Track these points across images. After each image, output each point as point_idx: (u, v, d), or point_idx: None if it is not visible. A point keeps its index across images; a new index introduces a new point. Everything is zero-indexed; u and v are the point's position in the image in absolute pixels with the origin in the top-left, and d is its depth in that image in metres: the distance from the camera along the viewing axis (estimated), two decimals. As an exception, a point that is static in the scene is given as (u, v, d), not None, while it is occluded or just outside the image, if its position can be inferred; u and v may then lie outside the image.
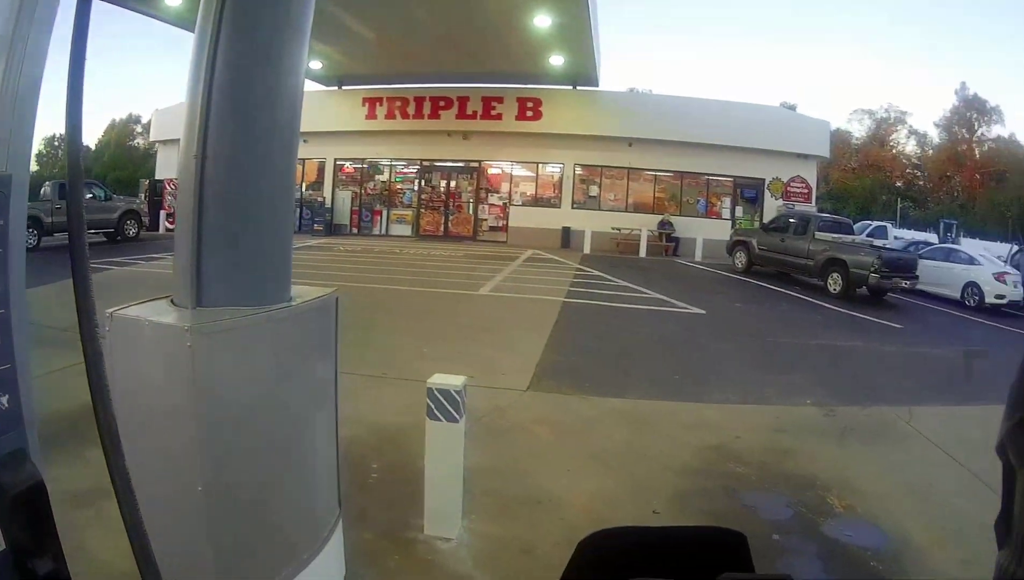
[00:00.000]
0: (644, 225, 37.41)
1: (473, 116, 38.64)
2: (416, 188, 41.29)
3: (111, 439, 1.58)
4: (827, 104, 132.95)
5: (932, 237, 48.40)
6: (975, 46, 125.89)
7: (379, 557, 5.82)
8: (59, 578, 1.54)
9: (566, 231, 38.05)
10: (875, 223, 46.80)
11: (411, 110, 39.17)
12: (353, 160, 41.78)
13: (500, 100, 38.41)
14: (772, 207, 38.24)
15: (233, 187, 4.01)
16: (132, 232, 32.50)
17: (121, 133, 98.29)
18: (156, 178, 40.85)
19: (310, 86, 36.25)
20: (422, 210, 40.97)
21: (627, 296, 21.81)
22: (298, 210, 37.86)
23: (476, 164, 40.29)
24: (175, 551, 3.57)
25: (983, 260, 30.42)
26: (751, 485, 8.26)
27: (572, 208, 39.28)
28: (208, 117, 3.92)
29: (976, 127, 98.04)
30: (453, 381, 6.19)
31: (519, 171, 40.49)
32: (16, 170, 1.76)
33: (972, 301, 28.85)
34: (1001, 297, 28.56)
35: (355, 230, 40.59)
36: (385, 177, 41.84)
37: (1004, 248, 44.61)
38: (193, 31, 4.11)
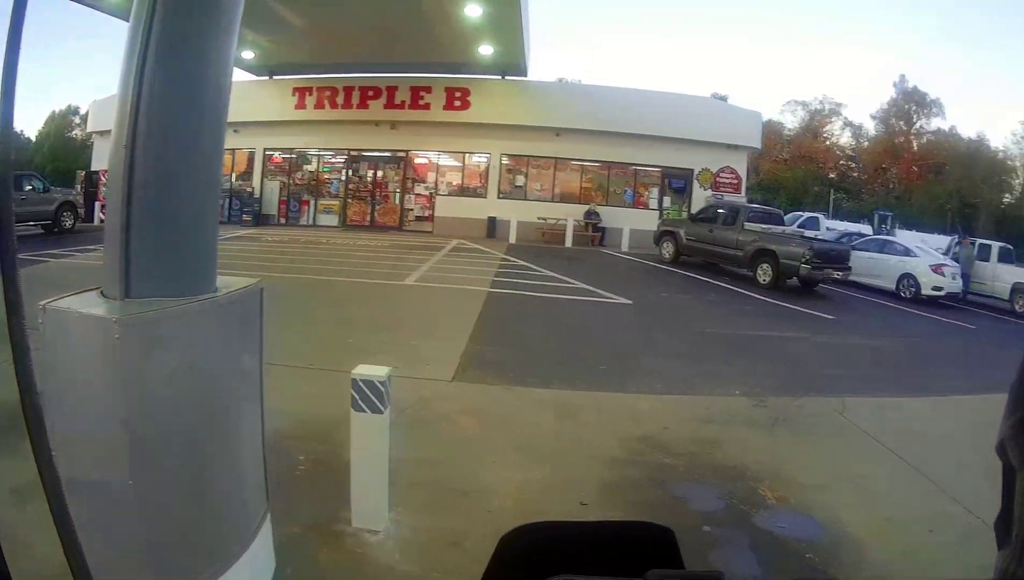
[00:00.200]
0: (570, 215, 37.44)
1: (401, 106, 38.50)
2: (343, 178, 41.15)
3: (38, 433, 1.58)
4: (761, 96, 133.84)
5: (866, 228, 48.48)
6: (916, 40, 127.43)
7: (308, 550, 5.79)
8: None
9: (492, 221, 38.02)
10: (807, 214, 47.02)
11: (340, 100, 38.97)
12: (282, 150, 41.53)
13: (428, 90, 38.31)
14: (701, 198, 38.41)
15: (161, 177, 4.00)
16: (68, 224, 31.93)
17: (60, 124, 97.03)
18: (92, 169, 40.48)
19: (242, 76, 36.57)
20: (349, 200, 40.85)
21: (552, 286, 21.84)
22: (227, 201, 37.87)
23: (403, 154, 40.14)
24: (106, 545, 3.58)
25: (920, 252, 30.76)
26: (680, 476, 8.23)
27: (498, 198, 39.28)
28: (139, 107, 3.91)
29: (915, 119, 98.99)
30: (377, 372, 6.14)
31: (446, 161, 40.39)
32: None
33: (908, 293, 29.20)
34: (939, 289, 28.92)
35: (283, 220, 40.31)
36: (313, 167, 41.62)
37: (942, 240, 45.25)
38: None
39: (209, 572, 4.24)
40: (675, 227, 32.33)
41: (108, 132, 4.26)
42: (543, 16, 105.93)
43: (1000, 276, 32.18)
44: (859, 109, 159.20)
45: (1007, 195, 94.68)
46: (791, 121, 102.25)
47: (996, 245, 34.07)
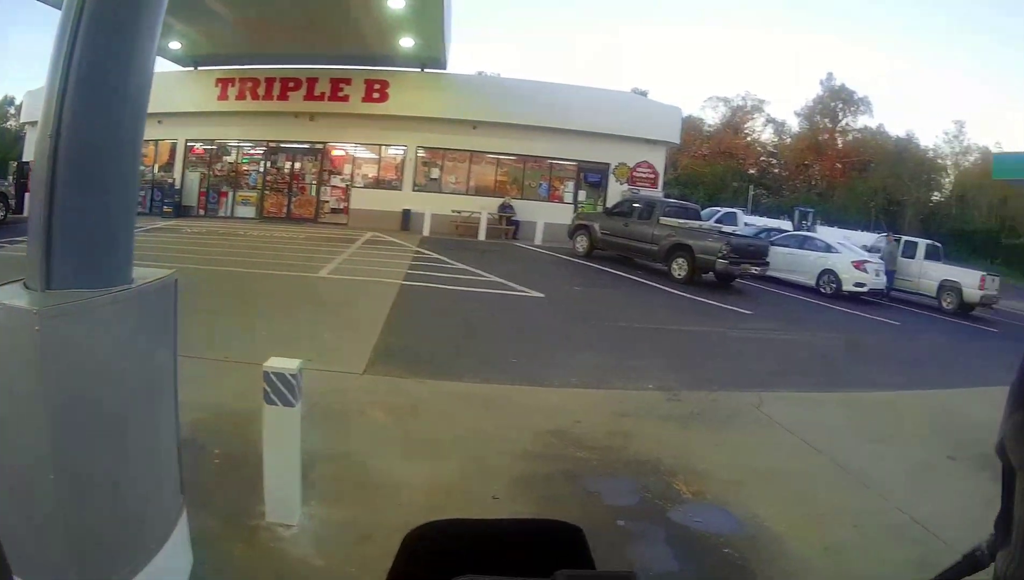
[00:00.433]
0: (485, 208, 37.47)
1: (321, 97, 38.29)
2: (262, 170, 40.82)
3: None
4: (684, 92, 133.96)
5: (786, 225, 48.99)
6: (847, 39, 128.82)
7: (224, 544, 5.73)
8: None
9: (406, 213, 37.95)
10: (724, 209, 47.43)
11: (261, 91, 38.67)
12: (204, 141, 40.99)
13: (348, 82, 38.16)
14: (617, 192, 38.58)
15: (83, 168, 3.95)
16: (0, 215, 31.81)
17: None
18: (24, 160, 39.58)
19: (169, 67, 35.91)
20: (267, 192, 40.51)
21: (465, 279, 21.80)
22: (149, 192, 37.65)
23: (321, 146, 39.97)
24: (26, 542, 3.60)
25: (841, 248, 31.01)
26: (594, 470, 8.25)
27: (413, 190, 39.17)
28: (64, 96, 3.87)
29: (840, 117, 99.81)
30: (289, 364, 6.08)
31: (363, 153, 40.28)
32: None
33: (829, 289, 29.53)
34: (861, 285, 29.25)
35: (202, 212, 39.85)
36: (233, 158, 41.24)
37: (866, 237, 45.79)
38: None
39: (127, 569, 4.20)
40: (590, 221, 32.30)
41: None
42: (466, 9, 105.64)
43: (927, 273, 32.49)
44: (784, 106, 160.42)
45: (936, 193, 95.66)
46: (712, 117, 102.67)
47: (923, 242, 34.44)
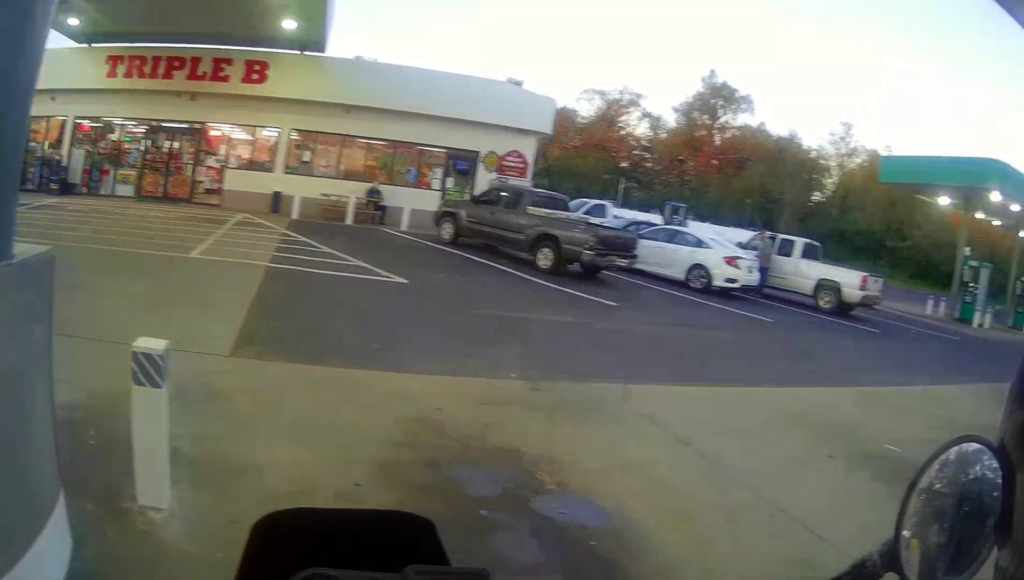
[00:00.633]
0: (353, 192, 37.52)
1: (203, 77, 37.88)
2: (142, 149, 40.24)
3: None
4: (562, 83, 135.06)
5: (657, 218, 49.58)
6: (728, 37, 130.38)
7: (99, 528, 5.60)
8: None
9: (277, 196, 37.72)
10: (594, 201, 46.82)
11: (148, 69, 38.07)
12: (91, 119, 40.19)
13: (229, 62, 37.82)
14: (486, 180, 38.69)
15: None
16: None
17: None
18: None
19: (66, 43, 35.19)
20: (146, 171, 39.95)
21: (331, 263, 21.71)
22: (38, 168, 36.74)
23: (200, 126, 39.57)
24: None
25: (713, 243, 31.27)
26: (456, 459, 8.24)
27: (285, 173, 39.05)
28: None
29: (720, 114, 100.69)
30: (156, 345, 5.95)
31: (238, 134, 40.02)
32: None
33: (699, 283, 29.65)
34: (732, 281, 29.53)
35: (85, 190, 39.08)
36: (116, 137, 40.54)
37: (739, 234, 46.25)
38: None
39: (5, 559, 4.05)
40: (456, 208, 32.20)
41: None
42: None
43: (804, 272, 32.94)
44: (663, 102, 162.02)
45: (817, 193, 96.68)
46: (587, 109, 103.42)
47: (800, 241, 34.99)
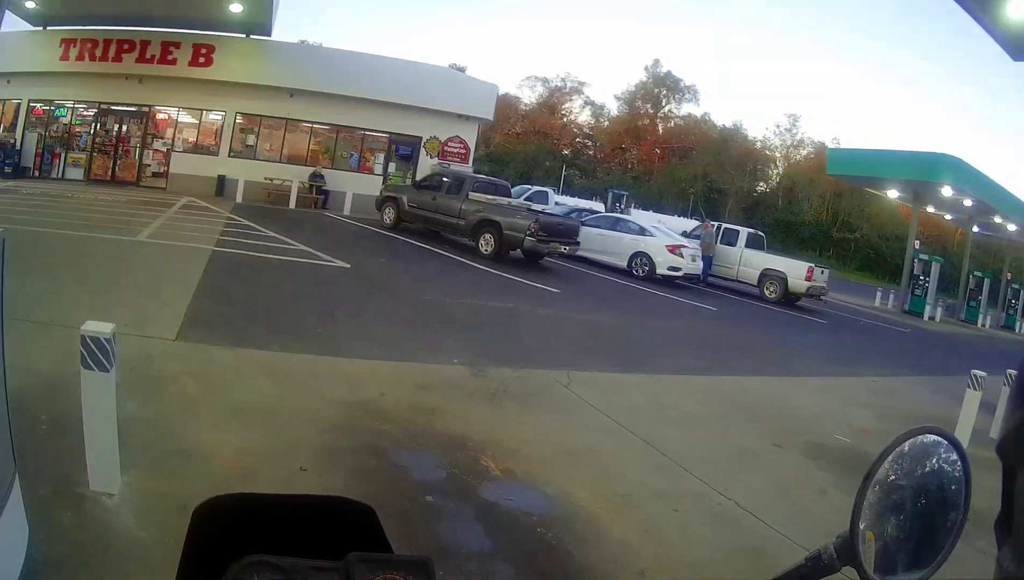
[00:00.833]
0: (296, 177, 37.49)
1: (151, 60, 37.54)
2: (92, 132, 39.98)
3: None
4: (504, 70, 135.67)
5: (599, 206, 49.91)
6: (674, 27, 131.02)
7: (53, 513, 5.54)
8: None
9: (221, 179, 37.66)
10: (535, 188, 47.09)
11: (99, 52, 37.73)
12: (44, 102, 40.06)
13: (177, 45, 37.55)
14: (427, 165, 38.65)
15: None
16: None
17: None
18: None
19: (21, 25, 34.98)
20: (95, 154, 39.75)
21: (274, 247, 21.59)
22: (-9, 151, 36.61)
23: (147, 109, 39.34)
24: None
25: (656, 232, 31.27)
26: (400, 444, 8.18)
27: (229, 157, 38.92)
28: None
29: (664, 103, 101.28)
30: (103, 329, 5.91)
31: (185, 118, 39.77)
32: None
33: (641, 271, 29.75)
34: (675, 269, 29.51)
35: (37, 173, 38.82)
36: (68, 120, 40.33)
37: (683, 222, 46.48)
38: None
39: None
40: (398, 193, 31.96)
41: None
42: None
43: (748, 261, 33.07)
44: (606, 90, 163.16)
45: (762, 184, 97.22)
46: (529, 96, 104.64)
47: (744, 230, 35.10)
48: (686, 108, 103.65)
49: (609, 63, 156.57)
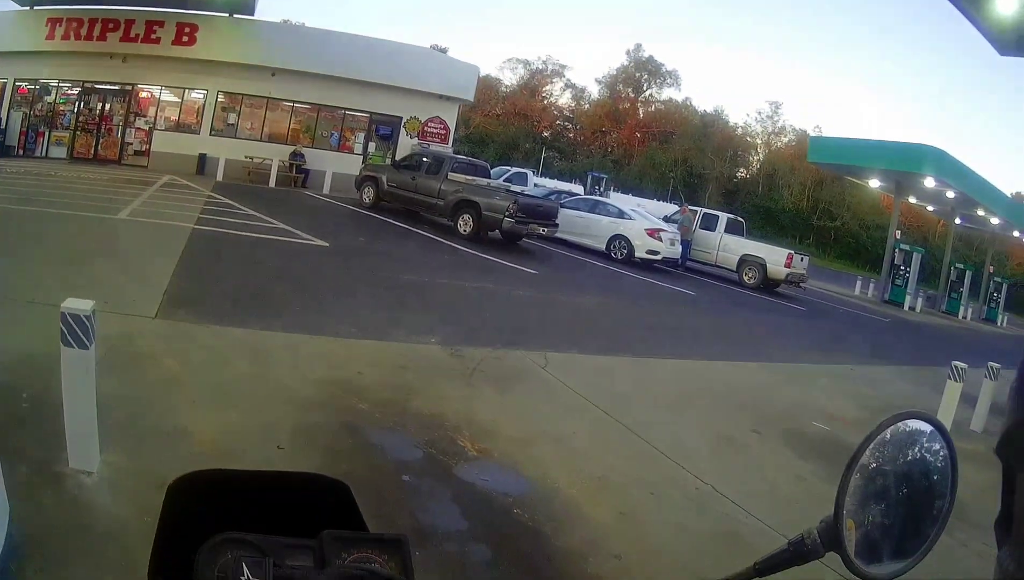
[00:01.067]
0: (277, 156, 37.45)
1: (135, 39, 37.53)
2: (75, 111, 39.97)
3: None
4: (485, 52, 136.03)
5: (578, 188, 49.76)
6: (656, 12, 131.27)
7: (33, 492, 5.53)
8: None
9: (202, 158, 37.65)
10: (515, 169, 47.76)
11: (84, 31, 37.69)
12: (30, 81, 40.11)
13: (161, 24, 37.35)
14: (407, 146, 38.80)
15: None
16: None
17: None
18: None
19: (8, 5, 35.01)
20: (78, 133, 39.74)
21: (254, 225, 21.47)
22: (-25, 131, 36.67)
23: (130, 87, 39.29)
24: None
25: (635, 215, 31.31)
26: (377, 423, 8.13)
27: (210, 135, 38.88)
28: None
29: (645, 88, 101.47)
30: (83, 305, 5.87)
31: (167, 96, 39.74)
32: None
33: (619, 254, 29.77)
34: (654, 253, 29.54)
35: (21, 152, 38.92)
36: (52, 99, 40.31)
37: (662, 207, 46.54)
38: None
39: None
40: (377, 172, 32.00)
41: None
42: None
43: (728, 247, 33.15)
44: (587, 74, 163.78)
45: (742, 170, 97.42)
46: (510, 78, 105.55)
47: (724, 216, 35.23)
48: (667, 93, 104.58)
49: (590, 47, 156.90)
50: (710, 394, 12.34)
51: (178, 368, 8.94)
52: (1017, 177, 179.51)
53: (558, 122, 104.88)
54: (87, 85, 39.27)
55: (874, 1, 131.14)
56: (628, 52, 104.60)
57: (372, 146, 40.51)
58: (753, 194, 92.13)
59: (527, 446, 8.20)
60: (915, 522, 1.45)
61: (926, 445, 1.47)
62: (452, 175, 28.11)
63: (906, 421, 1.46)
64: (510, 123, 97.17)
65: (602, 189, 51.58)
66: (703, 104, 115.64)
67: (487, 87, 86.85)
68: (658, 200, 60.12)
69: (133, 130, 39.22)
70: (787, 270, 31.80)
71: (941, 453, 1.48)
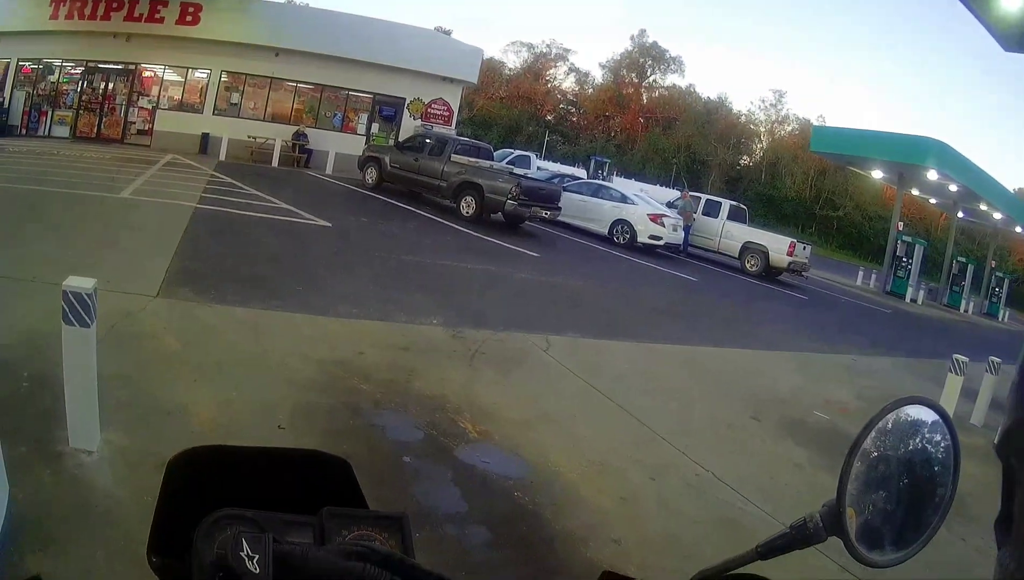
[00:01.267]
0: (280, 135, 37.44)
1: (139, 19, 37.32)
2: (79, 90, 39.98)
3: None
4: (489, 35, 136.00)
5: (581, 172, 49.79)
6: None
7: (32, 471, 5.53)
8: None
9: (205, 137, 37.59)
10: (518, 152, 47.53)
11: (88, 11, 37.54)
12: (33, 61, 40.11)
13: (165, 3, 37.22)
14: (411, 127, 38.57)
15: None
16: None
17: None
18: None
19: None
20: (81, 112, 39.78)
21: (256, 205, 21.49)
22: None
23: (134, 67, 39.23)
24: None
25: (638, 200, 31.16)
26: (378, 403, 8.19)
27: (213, 115, 38.81)
28: None
29: (649, 73, 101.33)
30: (84, 283, 5.85)
31: (170, 76, 39.72)
32: None
33: (622, 239, 29.67)
34: (657, 238, 29.47)
35: (24, 131, 38.88)
36: (55, 78, 40.35)
37: (664, 192, 46.49)
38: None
39: None
40: (380, 153, 31.94)
41: None
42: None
43: (730, 234, 33.08)
44: (591, 58, 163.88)
45: (745, 157, 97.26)
46: (514, 61, 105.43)
47: (727, 203, 35.16)
48: (671, 79, 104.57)
49: (595, 32, 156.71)
50: (712, 380, 12.38)
51: (179, 347, 8.94)
52: (1021, 173, 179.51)
53: (561, 106, 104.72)
54: (90, 64, 39.20)
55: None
56: (632, 38, 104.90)
57: (375, 127, 40.49)
58: (756, 182, 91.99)
59: (528, 429, 8.20)
60: (916, 509, 1.43)
61: (928, 432, 1.45)
62: (455, 157, 28.12)
63: (909, 406, 1.44)
64: (513, 106, 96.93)
65: (605, 173, 51.45)
66: (707, 91, 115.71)
67: (491, 70, 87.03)
68: (661, 185, 60.03)
69: (136, 109, 39.13)
70: (789, 259, 31.75)
71: (943, 440, 1.45)
